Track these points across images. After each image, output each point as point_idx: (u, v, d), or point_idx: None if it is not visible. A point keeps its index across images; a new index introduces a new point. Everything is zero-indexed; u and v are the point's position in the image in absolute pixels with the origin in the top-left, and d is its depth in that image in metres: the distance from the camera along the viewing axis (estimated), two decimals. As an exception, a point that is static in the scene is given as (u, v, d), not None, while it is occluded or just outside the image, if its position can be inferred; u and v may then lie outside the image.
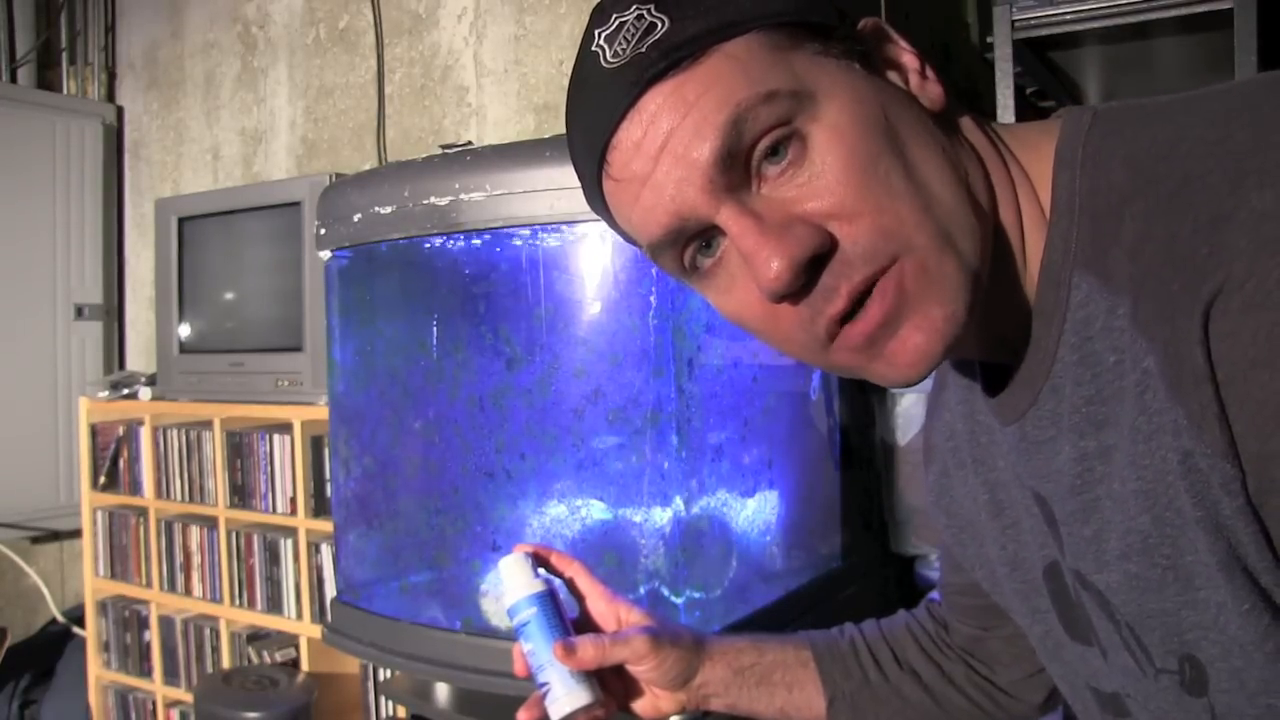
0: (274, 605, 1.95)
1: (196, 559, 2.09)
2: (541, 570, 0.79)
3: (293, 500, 1.91)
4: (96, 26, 2.78)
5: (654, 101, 0.50)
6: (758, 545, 1.19)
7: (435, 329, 1.19)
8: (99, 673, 2.28)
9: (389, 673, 1.70)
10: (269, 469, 1.94)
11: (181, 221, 2.17)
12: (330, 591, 1.84)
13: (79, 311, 2.58)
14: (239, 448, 1.99)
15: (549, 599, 0.77)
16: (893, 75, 0.55)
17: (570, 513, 1.10)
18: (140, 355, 2.72)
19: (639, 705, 0.80)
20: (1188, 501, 0.45)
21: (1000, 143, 0.57)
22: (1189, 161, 0.45)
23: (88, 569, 2.28)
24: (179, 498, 2.11)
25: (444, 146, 1.30)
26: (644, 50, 0.50)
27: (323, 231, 1.26)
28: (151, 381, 2.24)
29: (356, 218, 1.19)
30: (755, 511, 1.18)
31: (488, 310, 1.16)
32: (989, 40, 1.43)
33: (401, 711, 1.64)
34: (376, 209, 1.17)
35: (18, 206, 2.45)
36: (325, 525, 1.86)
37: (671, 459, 1.05)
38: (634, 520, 1.08)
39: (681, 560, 1.06)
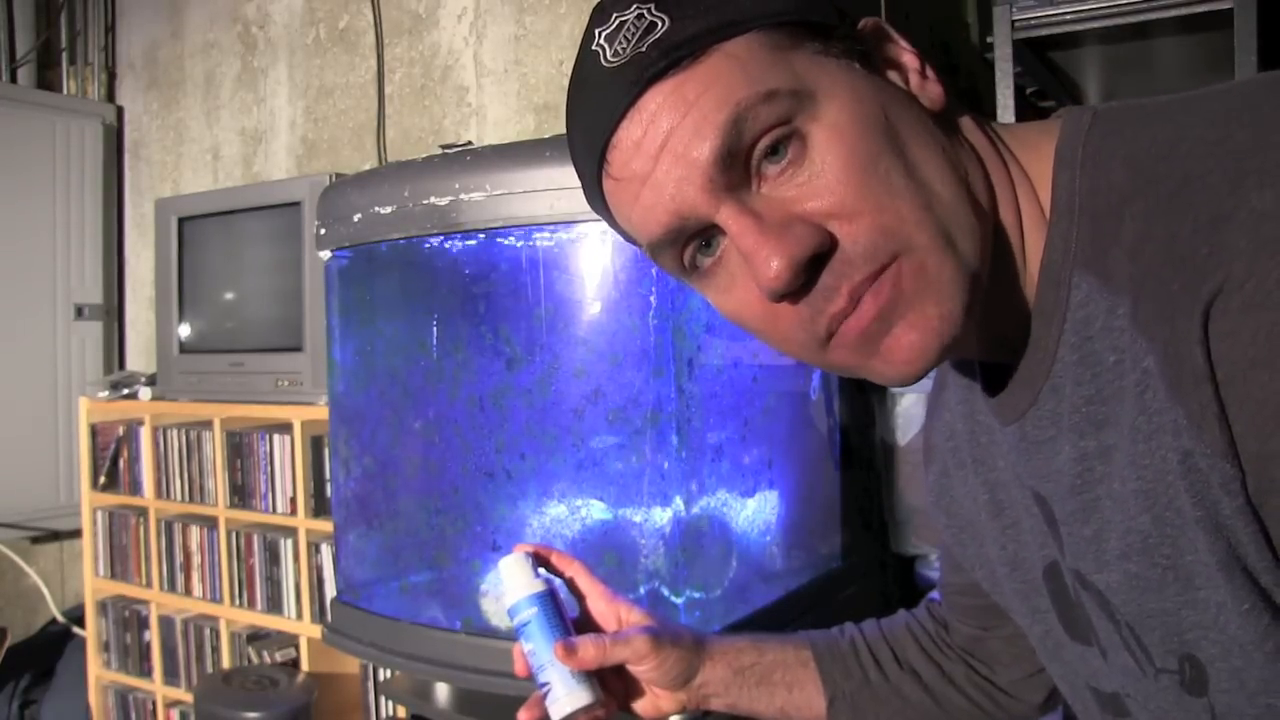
0: (274, 605, 1.95)
1: (196, 559, 2.09)
2: (542, 570, 0.79)
3: (293, 500, 1.91)
4: (96, 26, 2.78)
5: (654, 101, 0.50)
6: (758, 545, 1.20)
7: (435, 329, 1.19)
8: (99, 673, 2.28)
9: (389, 673, 1.70)
10: (269, 469, 1.94)
11: (181, 221, 2.17)
12: (330, 591, 1.84)
13: (79, 311, 2.58)
14: (239, 448, 1.99)
15: (549, 599, 0.77)
16: (893, 75, 0.55)
17: (570, 513, 1.10)
18: (140, 355, 2.72)
19: (639, 705, 0.80)
20: (1187, 501, 0.45)
21: (1000, 143, 0.57)
22: (1189, 161, 0.45)
23: (88, 569, 2.28)
24: (179, 498, 2.11)
25: (444, 146, 1.30)
26: (644, 49, 0.50)
27: (323, 231, 1.26)
28: (151, 381, 2.24)
29: (356, 218, 1.19)
30: (755, 511, 1.18)
31: (488, 310, 1.16)
32: (989, 40, 1.43)
33: (401, 711, 1.64)
34: (376, 209, 1.17)
35: (18, 206, 2.45)
36: (325, 525, 1.86)
37: (671, 459, 1.05)
38: (634, 520, 1.08)
39: (681, 560, 1.06)
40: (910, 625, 0.87)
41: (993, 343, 0.57)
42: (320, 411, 1.84)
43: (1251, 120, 0.45)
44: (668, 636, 0.77)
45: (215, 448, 2.02)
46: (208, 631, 2.08)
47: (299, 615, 1.91)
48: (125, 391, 2.23)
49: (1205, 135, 0.46)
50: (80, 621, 2.37)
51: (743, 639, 0.83)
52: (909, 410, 1.38)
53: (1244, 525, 0.44)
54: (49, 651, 2.43)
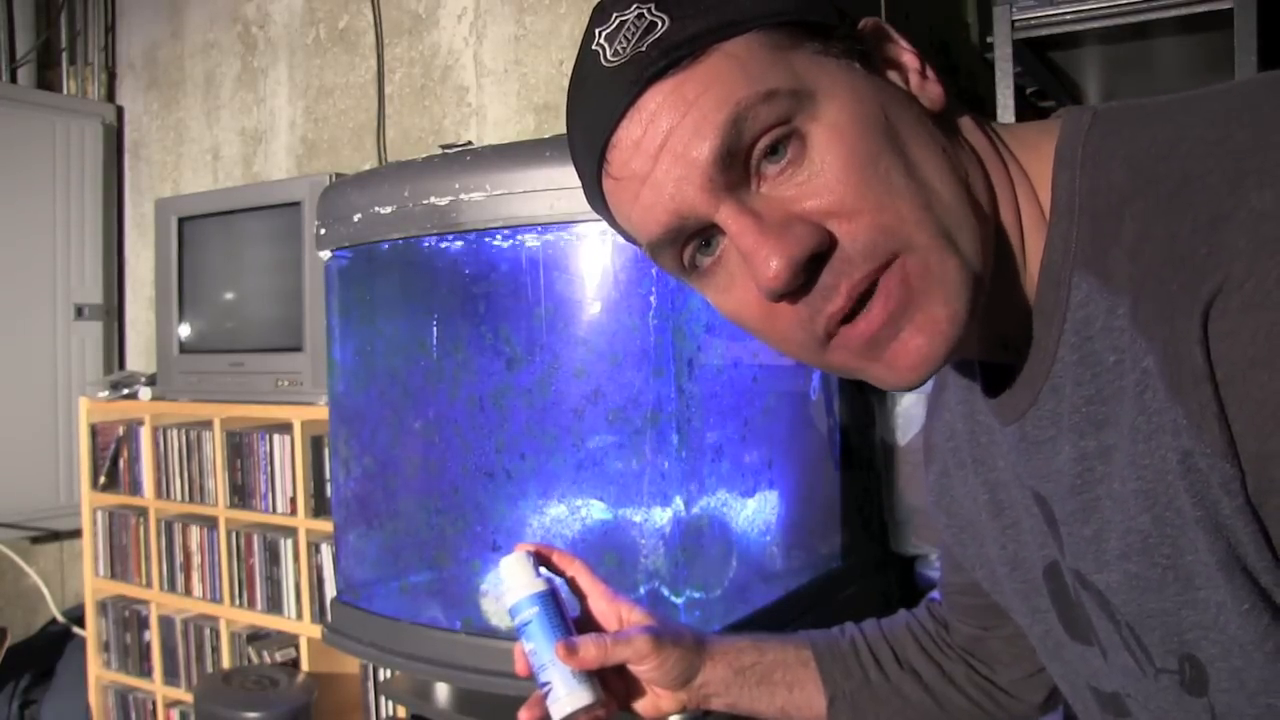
0: (274, 605, 1.95)
1: (196, 559, 2.09)
2: (543, 569, 0.79)
3: (293, 500, 1.91)
4: (96, 26, 2.78)
5: (654, 100, 0.50)
6: (758, 545, 1.20)
7: (435, 329, 1.19)
8: (99, 673, 2.28)
9: (389, 673, 1.70)
10: (269, 469, 1.94)
11: (181, 221, 2.17)
12: (330, 591, 1.84)
13: (79, 311, 2.58)
14: (239, 448, 1.99)
15: (551, 598, 0.77)
16: (893, 75, 0.55)
17: (570, 513, 1.10)
18: (140, 355, 2.72)
19: (640, 705, 0.80)
20: (1187, 501, 0.45)
21: (1000, 143, 0.57)
22: (1189, 161, 0.45)
23: (88, 569, 2.28)
24: (179, 498, 2.11)
25: (444, 146, 1.30)
26: (644, 49, 0.50)
27: (323, 231, 1.26)
28: (151, 381, 2.24)
29: (356, 218, 1.19)
30: (755, 511, 1.18)
31: (488, 310, 1.16)
32: (989, 40, 1.43)
33: (401, 711, 1.64)
34: (376, 209, 1.17)
35: (18, 206, 2.45)
36: (325, 525, 1.86)
37: (671, 459, 1.05)
38: (634, 520, 1.08)
39: (681, 560, 1.06)
40: (910, 625, 0.87)
41: (993, 343, 0.57)
42: (320, 411, 1.84)
43: (1251, 120, 0.45)
44: (669, 636, 0.77)
45: (215, 448, 2.02)
46: (208, 631, 2.08)
47: (299, 615, 1.91)
48: (125, 391, 2.23)
49: (1205, 135, 0.46)
50: (80, 621, 2.37)
51: (743, 639, 0.83)
52: (909, 410, 1.38)
53: (1244, 525, 0.44)
54: (49, 651, 2.43)
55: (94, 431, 2.25)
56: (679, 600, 1.06)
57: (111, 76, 2.79)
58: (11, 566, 2.48)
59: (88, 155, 2.62)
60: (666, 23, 0.50)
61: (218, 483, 2.01)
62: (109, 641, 2.26)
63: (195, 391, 2.12)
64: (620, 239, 0.59)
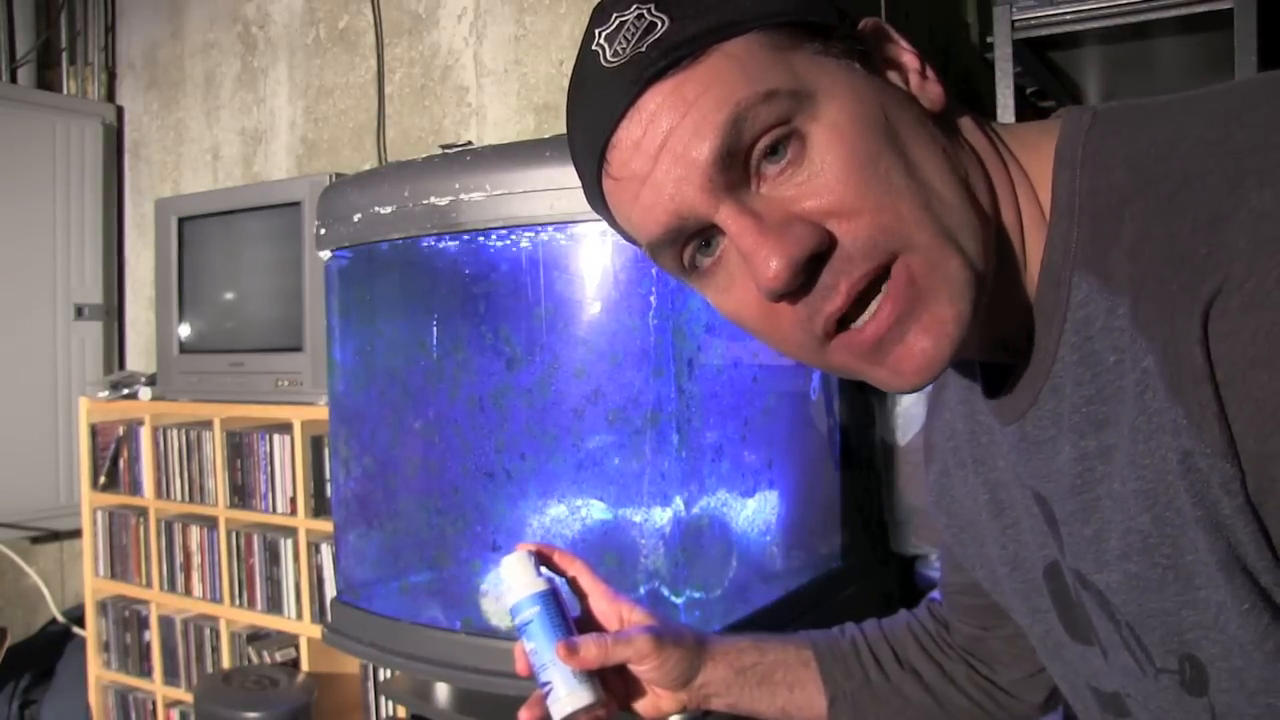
0: (274, 605, 1.95)
1: (196, 559, 2.09)
2: (544, 569, 0.79)
3: (293, 500, 1.91)
4: (96, 26, 2.78)
5: (653, 100, 0.50)
6: (758, 545, 1.20)
7: (435, 329, 1.19)
8: (99, 673, 2.28)
9: (389, 673, 1.70)
10: (269, 469, 1.94)
11: (181, 221, 2.17)
12: (330, 591, 1.84)
13: (79, 311, 2.58)
14: (239, 448, 1.99)
15: (552, 598, 0.77)
16: (893, 75, 0.55)
17: (570, 513, 1.10)
18: (140, 355, 2.72)
19: (640, 705, 0.80)
20: (1187, 501, 0.45)
21: (1000, 143, 0.57)
22: (1189, 161, 0.45)
23: (88, 569, 2.28)
24: (179, 498, 2.11)
25: (444, 146, 1.30)
26: (644, 49, 0.50)
27: (323, 231, 1.26)
28: (151, 381, 2.24)
29: (356, 218, 1.19)
30: (755, 511, 1.18)
31: (488, 310, 1.16)
32: (989, 40, 1.43)
33: (401, 711, 1.64)
34: (376, 209, 1.17)
35: (18, 206, 2.45)
36: (325, 525, 1.86)
37: (671, 459, 1.05)
38: (634, 520, 1.08)
39: (681, 560, 1.06)
40: (911, 625, 0.87)
41: (993, 343, 0.57)
42: (320, 411, 1.84)
43: (1251, 120, 0.45)
44: (669, 636, 0.77)
45: (215, 448, 2.02)
46: (208, 631, 2.08)
47: (299, 615, 1.91)
48: (125, 391, 2.23)
49: (1205, 135, 0.46)
50: (80, 621, 2.37)
51: (744, 639, 0.83)
52: (909, 410, 1.38)
53: (1244, 525, 0.44)
54: (49, 651, 2.43)
55: (94, 431, 2.25)
56: (679, 600, 1.06)
57: (111, 76, 2.79)
58: (11, 566, 2.48)
59: (88, 155, 2.62)
60: (666, 23, 0.50)
61: (218, 483, 2.01)
62: (109, 641, 2.26)
63: (195, 391, 2.12)
64: (620, 239, 0.59)
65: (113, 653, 2.26)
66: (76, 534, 2.41)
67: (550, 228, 1.07)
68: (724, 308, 0.56)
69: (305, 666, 1.92)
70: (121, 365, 2.71)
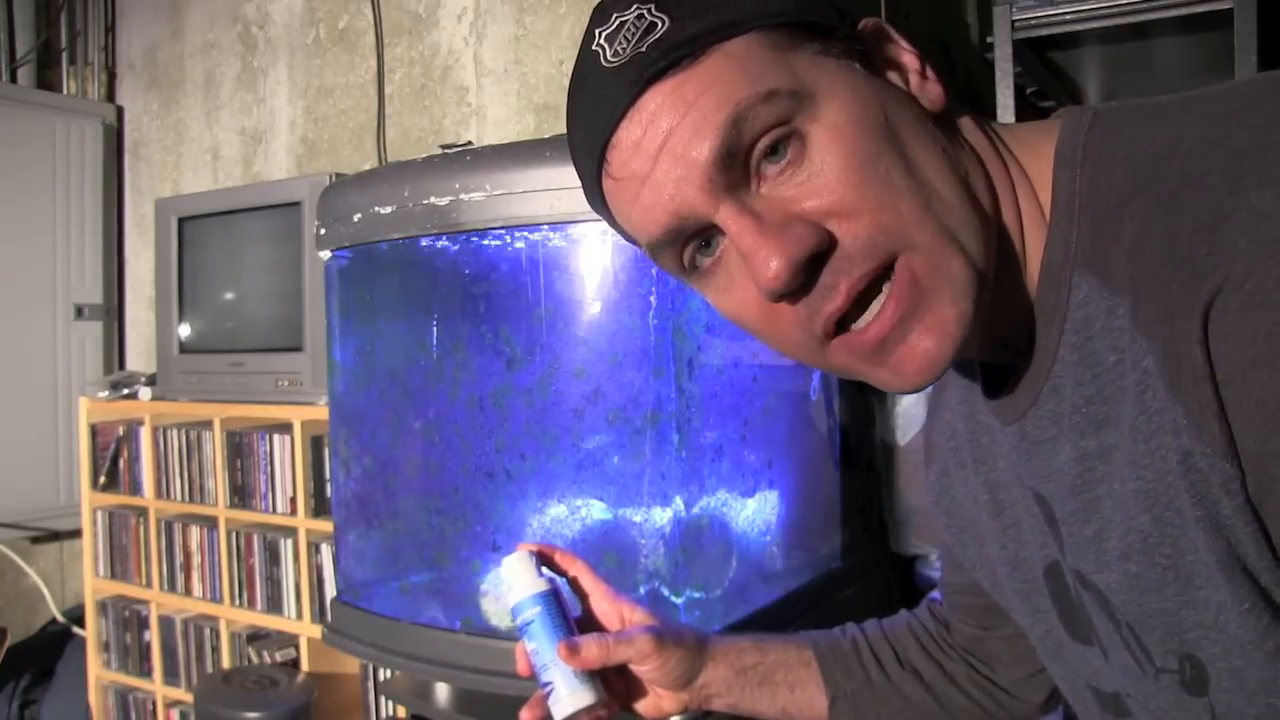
0: (274, 605, 1.95)
1: (196, 559, 2.09)
2: (545, 569, 0.79)
3: (293, 500, 1.91)
4: (96, 26, 2.78)
5: (654, 101, 0.50)
6: (758, 545, 1.20)
7: (435, 329, 1.19)
8: (99, 673, 2.28)
9: (389, 673, 1.70)
10: (269, 469, 1.94)
11: (181, 221, 2.17)
12: (330, 591, 1.84)
13: (79, 311, 2.58)
14: (239, 448, 1.99)
15: (553, 598, 0.77)
16: (893, 75, 0.55)
17: (570, 513, 1.10)
18: (140, 355, 2.72)
19: (641, 705, 0.80)
20: (1188, 501, 0.45)
21: (1000, 143, 0.57)
22: (1189, 161, 0.45)
23: (88, 569, 2.28)
24: (179, 498, 2.11)
25: (444, 146, 1.30)
26: (644, 49, 0.50)
27: (323, 231, 1.26)
28: (151, 381, 2.24)
29: (356, 218, 1.19)
30: (755, 511, 1.18)
31: (488, 310, 1.16)
32: (989, 40, 1.43)
33: (401, 711, 1.64)
34: (376, 209, 1.17)
35: (18, 206, 2.45)
36: (325, 525, 1.86)
37: (671, 459, 1.05)
38: (634, 520, 1.08)
39: (681, 560, 1.06)
40: (911, 625, 0.87)
41: (993, 343, 0.57)
42: (320, 411, 1.84)
43: (1251, 120, 0.45)
44: (670, 636, 0.77)
45: (215, 448, 2.02)
46: (208, 631, 2.08)
47: (299, 615, 1.91)
48: (125, 391, 2.23)
49: (1205, 135, 0.46)
50: (80, 621, 2.37)
51: (745, 639, 0.83)
52: (909, 410, 1.38)
53: (1244, 525, 0.44)
54: (49, 651, 2.43)
55: (94, 431, 2.25)
56: (679, 600, 1.06)
57: (111, 76, 2.79)
58: (11, 566, 2.48)
59: (88, 155, 2.62)
60: (666, 23, 0.50)
61: (218, 483, 2.01)
62: (109, 641, 2.26)
63: (195, 391, 2.12)
64: (620, 239, 0.59)
65: (113, 653, 2.26)
66: (76, 534, 2.41)
67: (550, 228, 1.07)
68: (724, 308, 0.56)
69: (305, 666, 1.92)
70: (121, 365, 2.71)
